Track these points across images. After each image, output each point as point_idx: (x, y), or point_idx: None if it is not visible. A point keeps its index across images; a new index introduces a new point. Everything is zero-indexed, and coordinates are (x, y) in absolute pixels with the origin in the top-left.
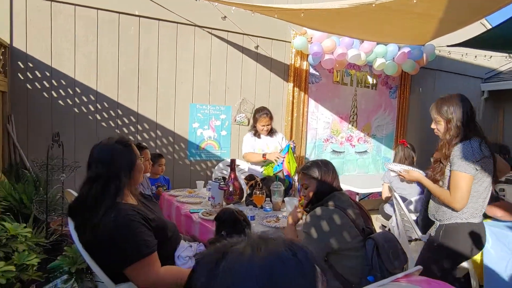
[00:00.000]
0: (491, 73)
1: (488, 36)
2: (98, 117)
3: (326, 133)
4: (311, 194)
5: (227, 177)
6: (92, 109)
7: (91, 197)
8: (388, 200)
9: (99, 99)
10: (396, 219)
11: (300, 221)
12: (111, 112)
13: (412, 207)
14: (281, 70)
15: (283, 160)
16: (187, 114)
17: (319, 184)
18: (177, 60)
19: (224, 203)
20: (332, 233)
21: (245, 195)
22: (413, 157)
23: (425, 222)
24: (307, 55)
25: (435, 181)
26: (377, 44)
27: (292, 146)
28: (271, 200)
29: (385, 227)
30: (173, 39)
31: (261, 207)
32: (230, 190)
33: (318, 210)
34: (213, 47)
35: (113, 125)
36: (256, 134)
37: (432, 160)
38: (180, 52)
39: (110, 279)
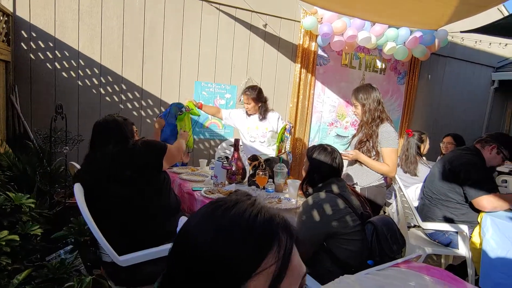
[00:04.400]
0: (504, 62)
1: (505, 22)
2: (102, 91)
3: (331, 116)
4: (303, 172)
5: (230, 157)
6: (96, 82)
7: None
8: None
9: (103, 73)
10: (397, 206)
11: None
12: (115, 86)
13: (411, 195)
14: (289, 50)
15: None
16: (192, 91)
17: (313, 165)
18: (183, 35)
19: (226, 182)
20: (333, 217)
21: (247, 175)
22: (418, 146)
23: (424, 210)
24: (316, 35)
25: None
26: (389, 27)
27: (288, 127)
28: (273, 181)
29: (385, 212)
30: (179, 14)
31: (264, 188)
32: (233, 169)
33: (322, 194)
34: (221, 23)
35: (117, 99)
36: (247, 112)
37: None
38: (186, 27)
39: (115, 248)
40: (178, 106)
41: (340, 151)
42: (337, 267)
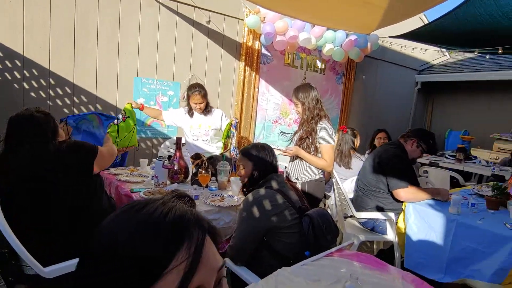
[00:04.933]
0: (425, 65)
1: (425, 30)
2: (26, 86)
3: (275, 114)
4: (243, 172)
5: (173, 156)
6: (18, 76)
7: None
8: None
9: (27, 66)
10: (335, 198)
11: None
12: (42, 81)
13: (347, 188)
14: (233, 48)
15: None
16: (131, 88)
17: (256, 163)
18: (120, 28)
19: (168, 182)
20: (272, 212)
21: (190, 174)
22: (352, 141)
23: (358, 201)
24: (260, 34)
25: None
26: (327, 29)
27: (234, 122)
28: (216, 180)
29: (325, 205)
30: (115, 4)
31: (206, 186)
32: (175, 169)
33: (261, 191)
34: (161, 17)
35: (44, 95)
36: (190, 112)
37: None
38: (123, 19)
39: (37, 259)
40: (110, 119)
41: (282, 148)
42: (276, 261)
